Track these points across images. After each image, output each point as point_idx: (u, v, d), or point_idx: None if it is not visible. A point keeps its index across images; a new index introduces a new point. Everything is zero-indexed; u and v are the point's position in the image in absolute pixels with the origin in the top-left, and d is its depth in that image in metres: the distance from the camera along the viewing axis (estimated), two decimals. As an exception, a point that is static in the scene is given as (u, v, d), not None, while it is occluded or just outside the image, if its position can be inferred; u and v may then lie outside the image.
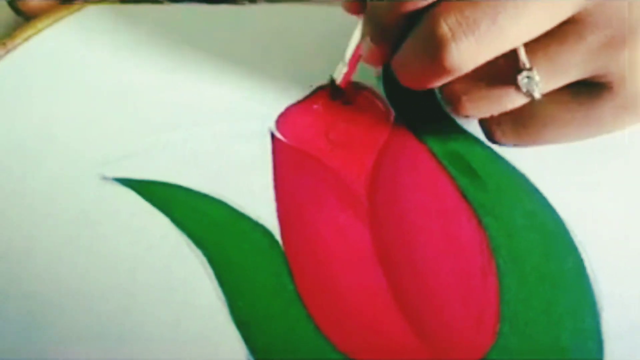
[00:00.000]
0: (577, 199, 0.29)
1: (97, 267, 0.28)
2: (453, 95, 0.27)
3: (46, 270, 0.28)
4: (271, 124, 0.32)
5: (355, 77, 0.32)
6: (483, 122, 0.30)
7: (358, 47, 0.30)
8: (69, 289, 0.27)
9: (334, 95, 0.32)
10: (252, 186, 0.30)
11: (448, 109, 0.28)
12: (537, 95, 0.26)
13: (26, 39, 0.35)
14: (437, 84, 0.26)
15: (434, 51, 0.25)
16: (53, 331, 0.27)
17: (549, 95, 0.26)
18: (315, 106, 0.33)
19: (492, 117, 0.28)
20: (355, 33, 0.30)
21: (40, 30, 0.36)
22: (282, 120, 0.32)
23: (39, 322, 0.27)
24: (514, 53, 0.25)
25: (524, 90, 0.26)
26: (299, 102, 0.33)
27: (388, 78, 0.33)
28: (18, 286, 0.28)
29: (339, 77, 0.31)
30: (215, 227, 0.29)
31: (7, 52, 0.34)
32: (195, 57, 0.34)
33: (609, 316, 0.26)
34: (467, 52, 0.24)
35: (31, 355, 0.26)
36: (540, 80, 0.25)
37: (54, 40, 0.35)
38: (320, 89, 0.33)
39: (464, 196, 0.29)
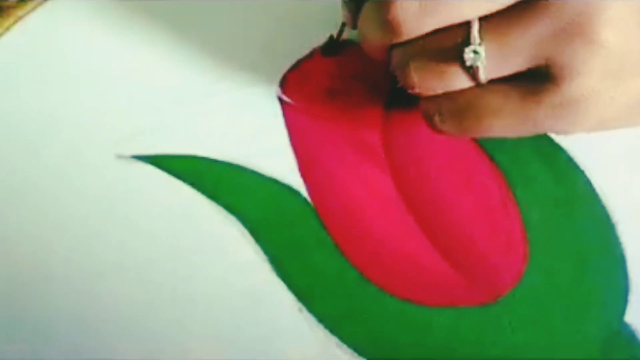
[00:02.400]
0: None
1: (133, 240, 0.28)
2: (401, 59, 0.27)
3: (79, 252, 0.28)
4: (277, 89, 0.32)
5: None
6: (424, 106, 0.28)
7: None
8: (109, 263, 0.28)
9: (330, 52, 0.33)
10: (270, 149, 0.31)
11: (398, 78, 0.27)
12: (481, 76, 0.25)
13: (7, 29, 0.34)
14: (386, 44, 0.27)
15: (381, 7, 0.25)
16: (99, 304, 0.27)
17: (492, 86, 0.26)
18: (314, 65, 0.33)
19: (433, 104, 0.27)
20: None
21: (20, 18, 0.35)
22: (286, 84, 0.33)
23: (79, 300, 0.27)
24: (466, 27, 0.25)
25: (469, 64, 0.25)
26: (298, 65, 0.33)
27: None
28: (53, 268, 0.28)
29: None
30: (244, 191, 0.29)
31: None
32: (193, 29, 0.34)
33: (625, 229, 0.28)
34: (411, 11, 0.25)
35: (78, 338, 0.27)
36: (487, 60, 0.25)
37: (41, 26, 0.34)
38: (314, 51, 0.34)
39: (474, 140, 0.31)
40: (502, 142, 0.31)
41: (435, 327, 0.27)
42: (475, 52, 0.25)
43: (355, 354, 0.27)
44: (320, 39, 0.33)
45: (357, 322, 0.27)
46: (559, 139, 0.31)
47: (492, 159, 0.31)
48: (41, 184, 0.30)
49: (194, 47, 0.33)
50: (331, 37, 0.33)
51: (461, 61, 0.25)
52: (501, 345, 0.27)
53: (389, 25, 0.25)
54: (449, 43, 0.25)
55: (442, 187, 0.30)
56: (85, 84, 0.32)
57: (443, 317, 0.27)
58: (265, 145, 0.31)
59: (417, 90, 0.27)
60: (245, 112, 0.32)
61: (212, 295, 0.27)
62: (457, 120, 0.27)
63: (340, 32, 0.33)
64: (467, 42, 0.25)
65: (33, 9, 0.35)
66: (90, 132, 0.31)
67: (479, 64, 0.25)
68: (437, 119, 0.27)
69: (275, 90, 0.32)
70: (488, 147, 0.31)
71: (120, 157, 0.30)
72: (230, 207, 0.29)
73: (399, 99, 0.31)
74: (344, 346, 0.27)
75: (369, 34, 0.27)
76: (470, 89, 0.26)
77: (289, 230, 0.29)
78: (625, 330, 0.27)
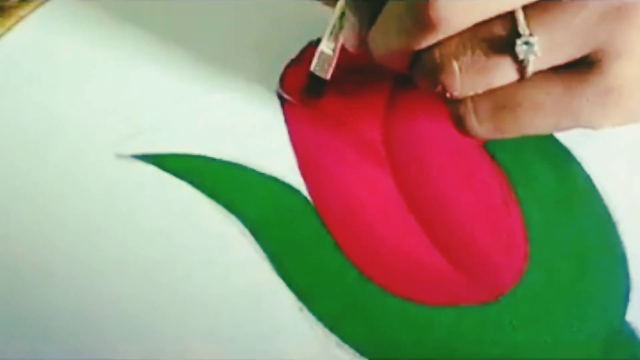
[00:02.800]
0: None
1: (134, 239, 0.28)
2: (441, 59, 0.24)
3: (81, 252, 0.28)
4: (276, 86, 0.32)
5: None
6: (455, 110, 0.26)
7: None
8: (109, 262, 0.28)
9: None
10: (270, 147, 0.31)
11: (433, 79, 0.25)
12: (530, 69, 0.24)
13: (9, 29, 0.34)
14: (416, 48, 0.24)
15: (418, 4, 0.23)
16: (100, 303, 0.27)
17: (533, 79, 0.24)
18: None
19: (467, 104, 0.25)
20: (330, 23, 0.29)
21: (22, 18, 0.35)
22: (285, 81, 0.33)
23: (80, 298, 0.27)
24: (511, 18, 0.23)
25: (522, 57, 0.23)
26: (297, 61, 0.33)
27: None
28: (53, 268, 0.28)
29: (320, 71, 0.30)
30: (244, 190, 0.29)
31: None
32: (192, 27, 0.34)
33: (625, 227, 0.28)
34: (453, 5, 0.22)
35: (78, 336, 0.27)
36: (539, 49, 0.23)
37: (42, 26, 0.34)
38: (312, 44, 0.33)
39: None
40: (503, 141, 0.31)
41: (436, 326, 0.27)
42: (527, 43, 0.23)
43: (356, 354, 0.26)
44: (320, 35, 0.33)
45: (357, 321, 0.27)
46: (560, 137, 0.30)
47: (493, 157, 0.30)
48: (42, 183, 0.30)
49: (194, 46, 0.33)
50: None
51: (512, 54, 0.23)
52: (502, 344, 0.27)
53: (428, 22, 0.23)
54: (496, 36, 0.24)
55: (443, 185, 0.30)
56: (86, 83, 0.32)
57: (444, 316, 0.27)
58: (265, 144, 0.31)
59: (455, 93, 0.25)
60: (244, 110, 0.32)
61: (212, 294, 0.27)
62: (495, 119, 0.25)
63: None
64: (516, 33, 0.23)
65: (34, 8, 0.35)
66: (90, 131, 0.31)
67: (531, 56, 0.23)
68: (472, 120, 0.25)
69: (274, 87, 0.32)
70: (489, 146, 0.31)
71: (120, 156, 0.30)
72: (230, 206, 0.29)
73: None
74: (345, 345, 0.26)
75: (393, 40, 0.25)
76: (509, 84, 0.25)
77: (289, 229, 0.29)
78: (627, 329, 0.27)
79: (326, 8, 0.33)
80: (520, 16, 0.23)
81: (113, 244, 0.28)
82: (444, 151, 0.31)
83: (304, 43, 0.33)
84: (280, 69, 0.33)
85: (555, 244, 0.28)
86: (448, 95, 0.25)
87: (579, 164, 0.30)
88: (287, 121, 0.31)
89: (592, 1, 0.23)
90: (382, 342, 0.27)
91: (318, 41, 0.32)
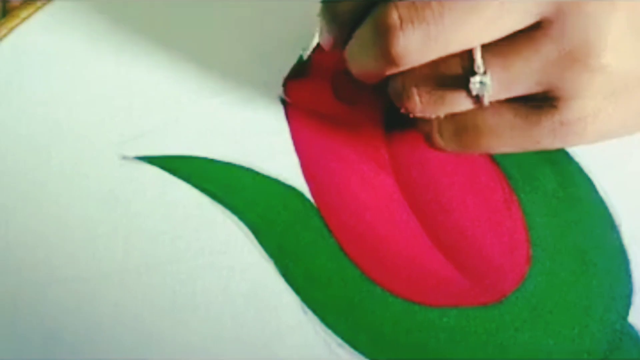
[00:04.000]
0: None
1: (136, 242, 0.28)
2: (404, 86, 0.26)
3: (83, 253, 0.28)
4: (279, 90, 0.32)
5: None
6: (422, 126, 0.28)
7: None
8: (112, 264, 0.28)
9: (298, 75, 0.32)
10: (273, 150, 0.31)
11: (396, 102, 0.27)
12: (486, 101, 0.25)
13: (11, 29, 0.35)
14: (384, 74, 0.26)
15: (381, 39, 0.24)
16: (102, 305, 0.27)
17: (492, 106, 0.26)
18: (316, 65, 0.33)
19: (433, 123, 0.27)
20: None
21: (25, 19, 0.35)
22: (288, 85, 0.33)
23: (83, 300, 0.27)
24: (469, 54, 0.25)
25: (474, 94, 0.25)
26: (299, 67, 0.33)
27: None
28: (57, 270, 0.28)
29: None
30: (248, 193, 0.29)
31: (-4, 44, 0.34)
32: (195, 29, 0.34)
33: (628, 230, 0.28)
34: (414, 43, 0.24)
35: (80, 340, 0.27)
36: (492, 87, 0.25)
37: (45, 27, 0.34)
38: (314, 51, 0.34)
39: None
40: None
41: (439, 327, 0.27)
42: (481, 82, 0.25)
43: (359, 355, 0.27)
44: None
45: (360, 323, 0.27)
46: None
47: (495, 161, 0.31)
48: (45, 185, 0.30)
49: (197, 48, 0.33)
50: (300, 58, 0.32)
51: (467, 90, 0.25)
52: (505, 346, 0.27)
53: (389, 57, 0.24)
54: (453, 71, 0.25)
55: (446, 188, 0.30)
56: (89, 85, 0.32)
57: (446, 317, 0.27)
58: (268, 146, 0.31)
59: (418, 115, 0.27)
60: (248, 113, 0.32)
61: (215, 297, 0.27)
62: (457, 138, 0.27)
63: (310, 56, 0.32)
64: (472, 71, 0.25)
65: (37, 10, 0.35)
66: (93, 133, 0.31)
67: (485, 92, 0.25)
68: (437, 138, 0.28)
69: (278, 90, 0.32)
70: (491, 149, 0.31)
71: (124, 158, 0.30)
72: (233, 208, 0.29)
73: (395, 118, 0.31)
74: (347, 347, 0.27)
75: (364, 63, 0.26)
76: (470, 109, 0.26)
77: (292, 231, 0.29)
78: (629, 331, 0.27)
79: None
80: (478, 54, 0.24)
81: (116, 246, 0.28)
82: (446, 155, 0.31)
83: (307, 46, 0.33)
84: (285, 71, 0.33)
85: (557, 246, 0.28)
86: (411, 116, 0.27)
87: (579, 166, 0.30)
88: (290, 123, 0.31)
89: (549, 44, 0.24)
90: (385, 343, 0.27)
91: (292, 72, 0.33)
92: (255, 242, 0.28)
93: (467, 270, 0.28)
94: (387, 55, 0.24)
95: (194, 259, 0.28)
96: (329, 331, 0.27)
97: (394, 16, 0.24)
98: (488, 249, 0.28)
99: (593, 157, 0.30)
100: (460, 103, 0.26)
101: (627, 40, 0.24)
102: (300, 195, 0.29)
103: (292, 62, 0.33)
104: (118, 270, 0.28)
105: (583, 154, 0.30)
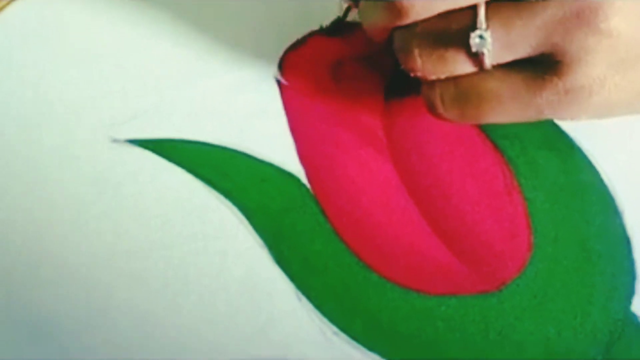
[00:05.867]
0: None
1: (126, 225, 0.28)
2: (405, 43, 0.26)
3: (73, 235, 0.27)
4: (275, 71, 0.32)
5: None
6: (426, 94, 0.27)
7: None
8: (103, 248, 0.27)
9: (335, 32, 0.32)
10: (268, 133, 0.30)
11: (399, 59, 0.26)
12: (487, 62, 0.25)
13: (2, 8, 0.34)
14: (391, 27, 0.26)
15: None
16: (92, 290, 0.26)
17: (495, 71, 0.25)
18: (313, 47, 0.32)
19: (435, 89, 0.26)
20: None
21: (14, -1, 0.34)
22: (284, 65, 0.32)
23: (73, 284, 0.27)
24: (472, 12, 0.24)
25: (474, 50, 0.24)
26: (297, 46, 0.33)
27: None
28: (47, 254, 0.27)
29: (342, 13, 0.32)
30: (242, 178, 0.29)
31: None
32: (188, 10, 0.33)
33: (631, 217, 0.28)
34: None
35: (71, 324, 0.26)
36: (493, 46, 0.24)
37: (35, 7, 0.33)
38: (315, 32, 0.33)
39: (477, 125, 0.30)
40: (506, 127, 0.30)
41: (437, 315, 0.26)
42: (481, 37, 0.24)
43: (355, 343, 0.26)
44: (319, 20, 0.32)
45: (356, 310, 0.26)
46: (565, 124, 0.30)
47: (496, 144, 0.30)
48: (35, 167, 0.29)
49: (190, 29, 0.33)
50: (338, 17, 0.32)
51: (466, 46, 0.24)
52: (505, 335, 0.26)
53: (394, 8, 0.24)
54: (455, 27, 0.25)
55: (445, 173, 0.29)
56: (80, 66, 0.31)
57: (445, 306, 0.27)
58: (264, 129, 0.30)
59: (419, 74, 0.26)
60: (242, 95, 0.31)
61: (208, 283, 0.27)
62: (459, 105, 0.26)
63: (346, 13, 0.32)
64: (473, 26, 0.24)
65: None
66: (85, 115, 0.30)
67: (484, 49, 0.24)
68: (438, 104, 0.27)
69: (273, 71, 0.32)
70: (492, 133, 0.30)
71: (115, 140, 0.29)
72: (227, 193, 0.28)
73: (399, 84, 0.31)
74: (343, 335, 0.26)
75: (372, 15, 0.27)
76: (473, 74, 0.25)
77: (287, 217, 0.28)
78: (632, 320, 0.26)
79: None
80: (481, 10, 0.24)
81: (107, 230, 0.28)
82: (445, 138, 0.30)
83: (304, 28, 0.32)
84: (279, 53, 0.32)
85: (559, 232, 0.28)
86: (412, 75, 0.26)
87: (582, 151, 0.29)
88: (285, 107, 0.31)
89: (552, 4, 0.23)
90: (382, 332, 0.26)
91: (321, 29, 0.32)
92: (249, 227, 0.28)
93: (466, 257, 0.27)
94: (392, 6, 0.24)
95: (186, 244, 0.27)
96: (324, 319, 0.26)
97: None
98: (488, 235, 0.28)
99: (596, 143, 0.29)
100: (461, 62, 0.25)
101: (638, 8, 0.23)
102: (296, 180, 0.29)
103: (286, 42, 0.32)
104: (108, 255, 0.27)
105: (586, 139, 0.29)
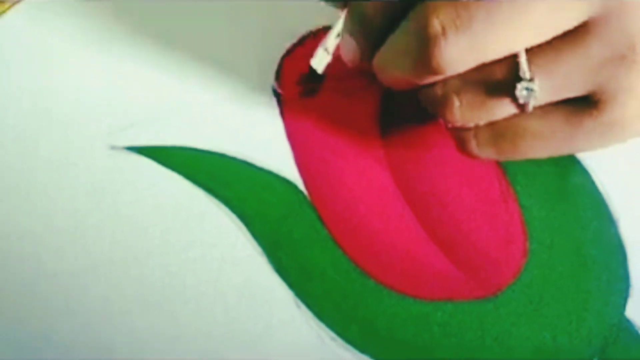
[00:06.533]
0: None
1: (125, 233, 0.28)
2: (443, 94, 0.25)
3: (71, 244, 0.27)
4: (271, 80, 0.32)
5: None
6: (458, 134, 0.27)
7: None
8: (101, 256, 0.27)
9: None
10: (266, 141, 0.30)
11: (432, 109, 0.26)
12: (530, 108, 0.24)
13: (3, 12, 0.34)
14: (422, 83, 0.25)
15: (422, 47, 0.23)
16: (91, 298, 0.26)
17: (535, 110, 0.25)
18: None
19: (468, 132, 0.26)
20: (338, 23, 0.28)
21: (14, 5, 0.34)
22: (281, 73, 0.32)
23: (71, 293, 0.27)
24: (513, 59, 0.23)
25: (521, 102, 0.24)
26: (290, 54, 0.33)
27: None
28: (45, 264, 0.27)
29: (319, 66, 0.29)
30: (240, 185, 0.29)
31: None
32: (185, 19, 0.33)
33: (626, 224, 0.28)
34: (458, 51, 0.22)
35: (69, 334, 0.26)
36: (538, 93, 0.24)
37: (32, 15, 0.33)
38: (305, 37, 0.33)
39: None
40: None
41: (433, 321, 0.27)
42: (528, 89, 0.23)
43: (353, 349, 0.26)
44: (310, 22, 0.32)
45: (354, 317, 0.27)
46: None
47: (491, 152, 0.30)
48: (33, 175, 0.29)
49: (189, 38, 0.33)
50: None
51: (512, 96, 0.24)
52: (500, 341, 0.26)
53: (431, 68, 0.23)
54: (497, 77, 0.24)
55: (441, 180, 0.29)
56: (78, 74, 0.31)
57: (441, 311, 0.27)
58: (261, 137, 0.30)
59: (457, 124, 0.25)
60: (240, 103, 0.31)
61: (205, 291, 0.27)
62: (495, 144, 0.26)
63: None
64: (517, 77, 0.23)
65: (24, -2, 0.34)
66: (83, 122, 0.30)
67: (531, 100, 0.24)
68: (472, 145, 0.26)
69: (270, 80, 0.32)
70: (487, 140, 0.30)
71: (113, 148, 0.30)
72: (225, 200, 0.28)
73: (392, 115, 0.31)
74: (340, 341, 0.26)
75: (398, 72, 0.25)
76: (510, 116, 0.25)
77: (285, 224, 0.28)
78: (626, 326, 0.26)
79: (323, 5, 0.33)
80: (523, 59, 0.23)
81: (105, 238, 0.28)
82: (441, 145, 0.30)
83: (297, 39, 0.32)
84: (276, 62, 0.32)
85: (554, 239, 0.28)
86: (449, 125, 0.26)
87: (577, 159, 0.30)
88: (283, 115, 0.31)
89: (594, 45, 0.23)
90: (379, 338, 0.26)
91: (317, 32, 0.32)
92: (247, 234, 0.28)
93: (462, 263, 0.28)
94: (428, 66, 0.23)
95: (184, 252, 0.27)
96: (322, 325, 0.26)
97: (435, 23, 0.22)
98: (484, 241, 0.28)
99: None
100: (503, 110, 0.24)
101: None
102: (293, 187, 0.29)
103: (283, 50, 0.32)
104: (106, 262, 0.27)
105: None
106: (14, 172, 0.29)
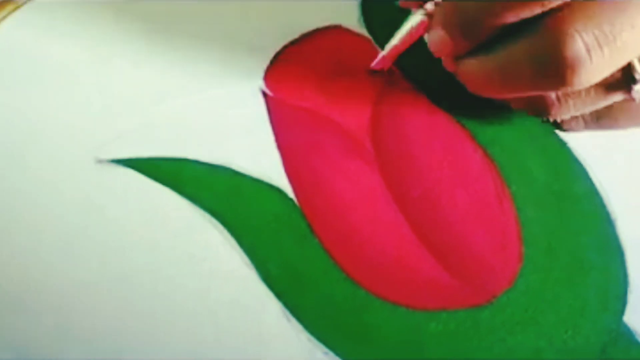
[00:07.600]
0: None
1: (113, 250, 0.27)
2: (559, 98, 0.26)
3: (59, 262, 0.27)
4: (260, 83, 0.31)
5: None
6: (566, 124, 0.29)
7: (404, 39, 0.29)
8: (88, 271, 0.27)
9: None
10: (255, 148, 0.30)
11: (543, 114, 0.27)
12: (638, 100, 0.26)
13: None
14: (546, 91, 0.26)
15: (561, 67, 0.23)
16: (80, 319, 0.26)
17: None
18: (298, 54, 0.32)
19: (574, 118, 0.28)
20: (405, 25, 0.29)
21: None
22: (270, 77, 0.31)
23: (59, 308, 0.26)
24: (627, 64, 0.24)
25: (637, 100, 0.25)
26: (282, 56, 0.32)
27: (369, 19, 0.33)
28: (33, 282, 0.27)
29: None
30: (228, 195, 0.28)
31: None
32: (171, 26, 0.33)
33: (624, 224, 0.27)
34: (601, 68, 0.23)
35: (57, 351, 0.26)
36: None
37: (17, 29, 0.33)
38: (295, 41, 0.32)
39: (467, 131, 0.30)
40: (497, 134, 0.30)
41: (427, 331, 0.26)
42: None
43: (345, 362, 0.26)
44: (304, 31, 0.32)
45: (345, 329, 0.26)
46: (558, 132, 0.29)
47: (486, 152, 0.29)
48: (19, 189, 0.29)
49: (174, 46, 0.32)
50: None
51: (627, 94, 0.25)
52: (496, 349, 0.26)
53: (564, 82, 0.23)
54: (614, 81, 0.25)
55: (434, 183, 0.29)
56: (63, 87, 0.31)
57: (435, 320, 0.26)
58: (249, 144, 0.30)
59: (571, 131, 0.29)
60: (227, 110, 0.30)
61: (195, 306, 0.26)
62: (598, 122, 0.28)
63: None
64: (632, 78, 0.24)
65: (13, 10, 0.34)
66: (69, 135, 0.30)
67: None
68: (573, 121, 0.28)
69: (258, 84, 0.31)
70: (482, 140, 0.30)
71: (99, 161, 0.29)
72: (213, 211, 0.28)
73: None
74: (332, 354, 0.26)
75: (517, 81, 0.25)
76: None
77: (275, 234, 0.28)
78: (624, 331, 0.26)
79: (309, 6, 0.32)
80: (637, 64, 0.24)
81: (92, 253, 0.27)
82: (434, 148, 0.29)
83: (288, 41, 0.32)
84: (264, 67, 0.31)
85: (550, 242, 0.27)
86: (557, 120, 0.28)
87: (575, 158, 0.29)
88: (271, 120, 0.30)
89: None
90: (372, 349, 0.26)
91: (300, 38, 0.31)
92: (236, 246, 0.27)
93: (456, 270, 0.27)
94: (566, 84, 0.23)
95: (173, 265, 0.27)
96: (313, 339, 0.26)
97: (579, 44, 0.22)
98: (478, 246, 0.27)
99: (589, 150, 0.29)
100: (613, 102, 0.26)
101: None
102: (282, 195, 0.28)
103: (271, 55, 0.31)
104: (93, 277, 0.27)
105: (580, 146, 0.29)
106: (3, 186, 0.29)
